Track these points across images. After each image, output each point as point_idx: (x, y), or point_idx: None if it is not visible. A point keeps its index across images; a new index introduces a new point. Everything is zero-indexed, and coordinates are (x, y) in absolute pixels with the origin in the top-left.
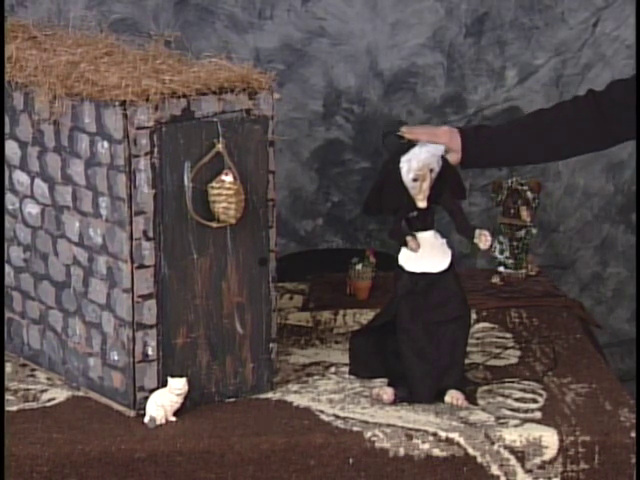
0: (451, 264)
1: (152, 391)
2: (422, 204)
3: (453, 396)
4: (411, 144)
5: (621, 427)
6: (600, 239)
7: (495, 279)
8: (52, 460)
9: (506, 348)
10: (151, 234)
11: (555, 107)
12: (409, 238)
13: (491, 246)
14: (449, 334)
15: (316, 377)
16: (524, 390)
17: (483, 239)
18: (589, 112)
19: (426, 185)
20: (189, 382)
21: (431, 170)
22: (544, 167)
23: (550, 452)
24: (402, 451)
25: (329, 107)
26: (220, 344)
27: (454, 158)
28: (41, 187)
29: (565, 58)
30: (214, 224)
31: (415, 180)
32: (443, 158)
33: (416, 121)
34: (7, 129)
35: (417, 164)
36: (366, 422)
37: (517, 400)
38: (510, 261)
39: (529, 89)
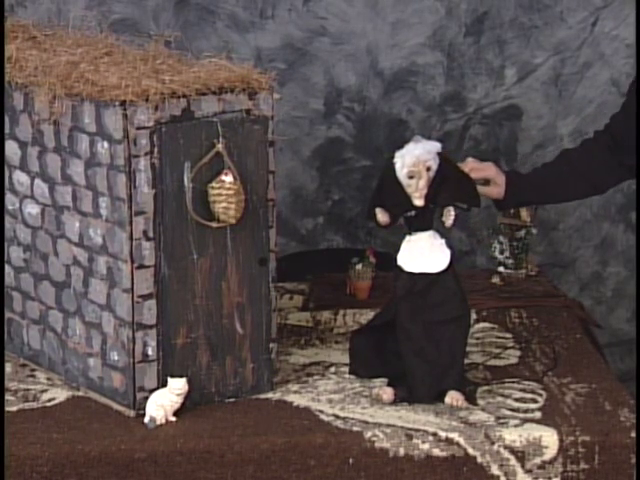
0: (450, 264)
1: (152, 391)
2: (418, 202)
3: (453, 397)
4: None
5: (621, 427)
6: (600, 238)
7: (495, 279)
8: (52, 460)
9: (506, 348)
10: (151, 234)
11: (580, 145)
12: (378, 210)
13: (491, 245)
14: (449, 334)
15: (316, 377)
16: (524, 390)
17: (448, 215)
18: (606, 146)
19: (422, 183)
20: (189, 382)
21: (428, 168)
22: None
23: (550, 452)
24: (402, 451)
25: (330, 106)
26: (220, 344)
27: (495, 192)
28: (41, 187)
29: (564, 57)
30: (214, 224)
31: (411, 177)
32: (441, 157)
33: (416, 119)
34: (7, 129)
35: (411, 159)
36: (366, 422)
37: (517, 400)
38: (510, 261)
39: (528, 88)
